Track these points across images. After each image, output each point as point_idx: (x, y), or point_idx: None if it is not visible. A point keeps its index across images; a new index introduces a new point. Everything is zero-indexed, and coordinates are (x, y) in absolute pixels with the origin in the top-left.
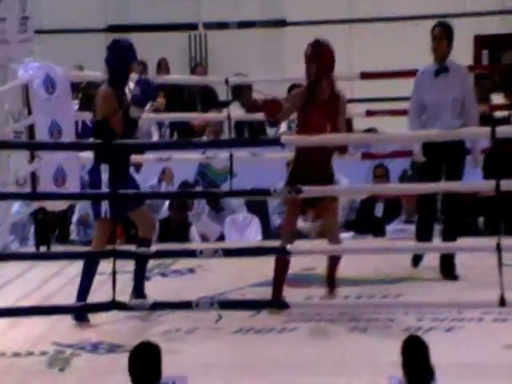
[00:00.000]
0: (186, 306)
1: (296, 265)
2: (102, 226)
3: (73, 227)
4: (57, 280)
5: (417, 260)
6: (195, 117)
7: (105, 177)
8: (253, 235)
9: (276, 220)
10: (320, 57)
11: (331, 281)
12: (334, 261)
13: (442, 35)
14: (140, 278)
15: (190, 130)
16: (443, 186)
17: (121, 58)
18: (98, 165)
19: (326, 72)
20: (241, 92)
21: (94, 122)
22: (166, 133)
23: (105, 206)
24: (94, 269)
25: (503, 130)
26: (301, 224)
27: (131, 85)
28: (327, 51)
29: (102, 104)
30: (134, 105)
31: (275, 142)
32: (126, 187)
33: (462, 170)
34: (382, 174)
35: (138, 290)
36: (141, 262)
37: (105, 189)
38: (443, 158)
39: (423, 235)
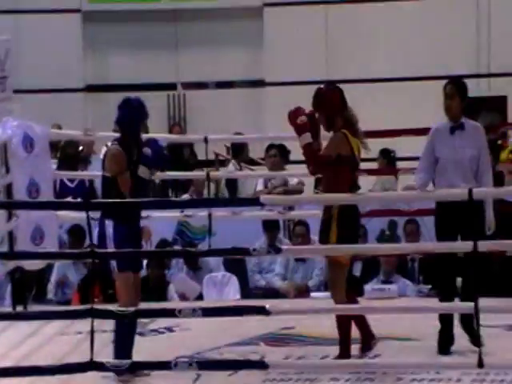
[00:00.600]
0: (164, 366)
1: (275, 324)
2: (123, 279)
3: (50, 287)
4: (34, 340)
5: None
6: (176, 175)
7: (109, 231)
8: (231, 294)
9: (255, 278)
10: (321, 104)
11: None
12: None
13: (454, 93)
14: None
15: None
16: (422, 246)
17: (132, 116)
18: (103, 220)
19: (337, 113)
20: (242, 150)
21: (103, 177)
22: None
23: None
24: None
25: (479, 192)
26: (278, 283)
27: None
28: (326, 96)
29: (111, 162)
30: (144, 165)
31: (254, 202)
32: (130, 243)
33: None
34: (359, 234)
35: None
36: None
37: (109, 243)
38: (458, 219)
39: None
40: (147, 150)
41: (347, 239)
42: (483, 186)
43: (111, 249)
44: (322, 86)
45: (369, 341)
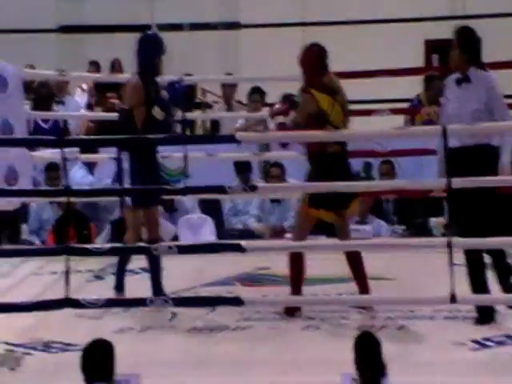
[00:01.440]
0: (139, 303)
1: (250, 264)
2: (129, 215)
3: (25, 228)
4: (8, 280)
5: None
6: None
7: (125, 165)
8: (207, 235)
9: (230, 221)
10: (300, 61)
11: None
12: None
13: (455, 43)
14: (156, 276)
15: None
16: (394, 183)
17: (150, 51)
18: (120, 153)
19: (313, 74)
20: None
21: (120, 110)
22: None
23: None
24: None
25: (455, 128)
26: (253, 225)
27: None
28: (304, 56)
29: (129, 94)
30: (158, 107)
31: (230, 139)
32: (147, 179)
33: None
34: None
35: (157, 289)
36: (152, 260)
37: (125, 179)
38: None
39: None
40: (164, 93)
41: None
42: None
43: (127, 184)
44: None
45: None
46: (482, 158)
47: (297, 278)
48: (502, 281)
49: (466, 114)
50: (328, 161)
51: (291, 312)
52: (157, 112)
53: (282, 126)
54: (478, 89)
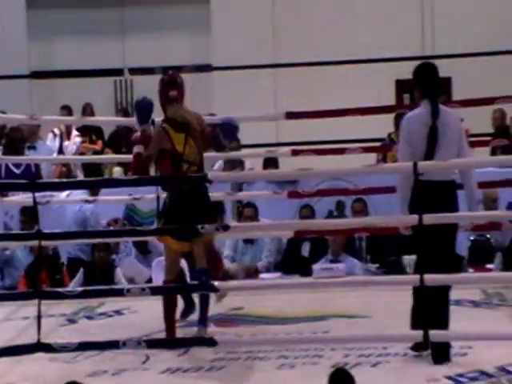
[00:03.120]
0: (112, 345)
1: (224, 304)
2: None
3: None
4: None
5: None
6: (123, 158)
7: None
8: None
9: None
10: None
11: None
12: None
13: (413, 79)
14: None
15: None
16: (368, 220)
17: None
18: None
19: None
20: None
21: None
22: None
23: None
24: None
25: (424, 165)
26: (227, 265)
27: None
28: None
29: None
30: None
31: (202, 179)
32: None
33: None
34: (308, 215)
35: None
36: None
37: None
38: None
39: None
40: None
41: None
42: None
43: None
44: None
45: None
46: (450, 193)
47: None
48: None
49: None
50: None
51: None
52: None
53: (137, 156)
54: None
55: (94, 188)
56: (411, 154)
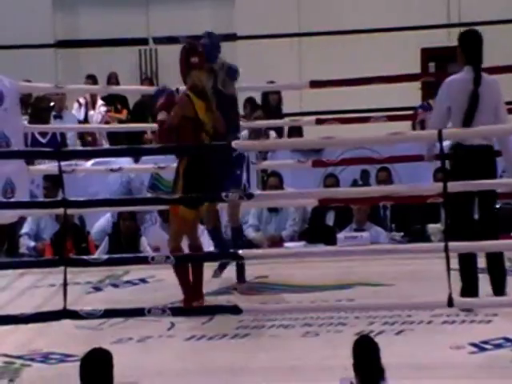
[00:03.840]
0: (138, 313)
1: (248, 272)
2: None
3: (22, 241)
4: (6, 293)
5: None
6: (147, 126)
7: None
8: (205, 246)
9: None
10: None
11: None
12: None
13: (458, 45)
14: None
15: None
16: (391, 188)
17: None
18: None
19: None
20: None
21: None
22: None
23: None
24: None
25: (450, 132)
26: (251, 234)
27: None
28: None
29: None
30: None
31: (226, 148)
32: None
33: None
34: (332, 184)
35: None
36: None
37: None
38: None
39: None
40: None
41: (194, 190)
42: None
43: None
44: None
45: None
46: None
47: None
48: (494, 284)
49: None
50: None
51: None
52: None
53: (161, 123)
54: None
55: (119, 156)
56: (447, 118)
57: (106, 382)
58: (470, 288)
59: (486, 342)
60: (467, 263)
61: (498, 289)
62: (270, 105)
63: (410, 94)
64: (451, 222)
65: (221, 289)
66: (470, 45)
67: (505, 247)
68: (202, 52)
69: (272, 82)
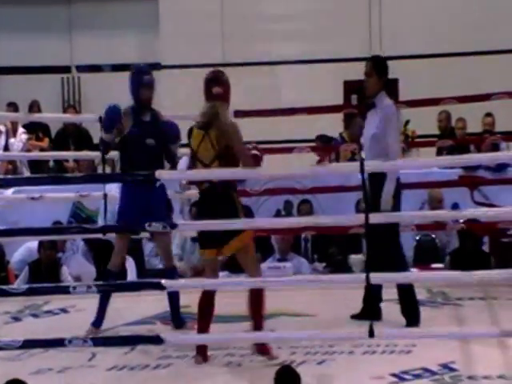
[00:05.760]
0: (58, 343)
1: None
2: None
3: None
4: None
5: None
6: (69, 155)
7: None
8: (128, 276)
9: (152, 262)
10: None
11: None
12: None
13: (370, 71)
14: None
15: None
16: (314, 219)
17: (133, 82)
18: None
19: None
20: None
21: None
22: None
23: None
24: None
25: (372, 164)
26: (176, 263)
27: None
28: None
29: None
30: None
31: (149, 177)
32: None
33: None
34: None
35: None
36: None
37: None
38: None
39: None
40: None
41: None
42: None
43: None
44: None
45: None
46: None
47: (206, 316)
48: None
49: (368, 138)
50: (201, 198)
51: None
52: (106, 136)
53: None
54: (379, 114)
55: (40, 185)
56: None
57: None
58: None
59: (405, 372)
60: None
61: (410, 320)
62: None
63: (333, 125)
64: (380, 254)
65: (143, 319)
66: (386, 72)
67: (424, 278)
68: (225, 81)
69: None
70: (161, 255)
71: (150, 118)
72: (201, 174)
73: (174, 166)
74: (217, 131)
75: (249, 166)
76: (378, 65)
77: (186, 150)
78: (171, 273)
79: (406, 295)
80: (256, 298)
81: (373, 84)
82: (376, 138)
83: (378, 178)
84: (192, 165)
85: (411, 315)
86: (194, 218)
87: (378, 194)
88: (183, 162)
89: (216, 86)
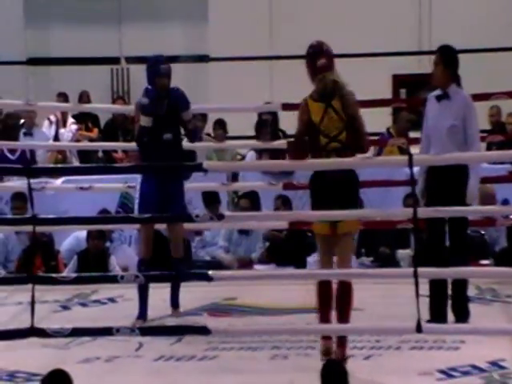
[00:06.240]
0: (106, 332)
1: (217, 294)
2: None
3: None
4: None
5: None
6: (118, 145)
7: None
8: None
9: (198, 253)
10: None
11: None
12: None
13: (438, 60)
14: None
15: (111, 162)
16: (361, 212)
17: (149, 71)
18: None
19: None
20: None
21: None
22: None
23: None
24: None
25: (419, 158)
26: (221, 255)
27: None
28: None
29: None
30: (143, 114)
31: (197, 168)
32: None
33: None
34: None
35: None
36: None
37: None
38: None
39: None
40: (142, 99)
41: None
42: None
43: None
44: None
45: None
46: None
47: (323, 305)
48: (454, 309)
49: (443, 129)
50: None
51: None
52: (143, 120)
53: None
54: (455, 105)
55: (89, 174)
56: None
57: None
58: (438, 314)
59: (453, 369)
60: (437, 289)
61: (460, 316)
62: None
63: (380, 119)
64: (423, 248)
65: (190, 310)
66: (455, 63)
67: (472, 274)
68: (327, 51)
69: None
70: (171, 245)
71: (166, 108)
72: (248, 165)
73: (194, 138)
74: (341, 101)
75: (366, 142)
76: (445, 55)
77: (252, 142)
78: (177, 264)
79: (460, 291)
80: (346, 290)
81: (439, 73)
82: (455, 130)
83: (457, 171)
84: (311, 136)
85: (461, 311)
86: (242, 209)
87: (455, 187)
88: (250, 156)
89: (320, 58)
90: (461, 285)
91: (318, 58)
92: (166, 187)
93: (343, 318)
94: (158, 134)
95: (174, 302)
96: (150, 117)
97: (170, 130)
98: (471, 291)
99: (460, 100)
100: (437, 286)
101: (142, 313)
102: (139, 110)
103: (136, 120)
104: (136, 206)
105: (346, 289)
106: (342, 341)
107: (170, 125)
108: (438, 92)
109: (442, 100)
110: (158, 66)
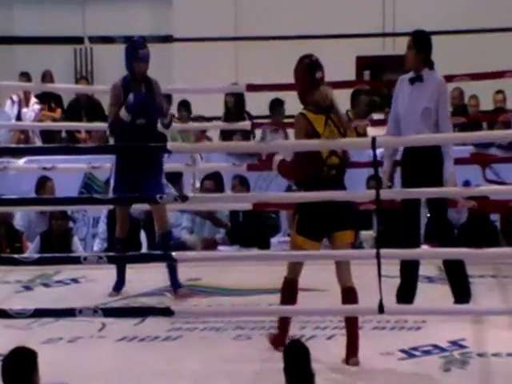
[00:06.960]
0: (68, 313)
1: (181, 275)
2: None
3: None
4: None
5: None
6: (81, 126)
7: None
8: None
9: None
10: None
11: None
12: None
13: (411, 44)
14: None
15: (74, 143)
16: (326, 194)
17: (128, 55)
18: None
19: (305, 91)
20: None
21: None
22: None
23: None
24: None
25: (382, 140)
26: (185, 236)
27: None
28: (295, 71)
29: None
30: (125, 108)
31: (161, 149)
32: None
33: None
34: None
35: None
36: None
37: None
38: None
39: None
40: (131, 96)
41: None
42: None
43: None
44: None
45: None
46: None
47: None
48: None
49: (417, 112)
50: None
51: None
52: (122, 113)
53: (282, 164)
54: (430, 88)
55: (52, 154)
56: None
57: (28, 382)
58: (405, 296)
59: (415, 349)
60: (406, 271)
61: (461, 297)
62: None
63: (345, 102)
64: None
65: (153, 290)
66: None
67: (434, 255)
68: (322, 65)
69: (235, 84)
70: (156, 221)
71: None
72: (212, 146)
73: (169, 127)
74: (337, 115)
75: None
76: (417, 39)
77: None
78: (166, 237)
79: (458, 273)
80: (352, 296)
81: (411, 57)
82: (428, 112)
83: (431, 152)
84: (312, 153)
85: (462, 293)
86: (206, 191)
87: (430, 168)
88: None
89: (318, 70)
90: (458, 267)
91: (316, 71)
92: (140, 169)
93: (353, 324)
94: (132, 119)
95: (175, 283)
96: (131, 114)
97: (143, 116)
98: (432, 272)
99: (435, 82)
100: (406, 267)
101: (119, 284)
102: (124, 106)
103: (112, 103)
104: (111, 187)
105: (352, 295)
106: (354, 350)
107: (144, 110)
108: (411, 74)
109: (416, 82)
110: (136, 51)
